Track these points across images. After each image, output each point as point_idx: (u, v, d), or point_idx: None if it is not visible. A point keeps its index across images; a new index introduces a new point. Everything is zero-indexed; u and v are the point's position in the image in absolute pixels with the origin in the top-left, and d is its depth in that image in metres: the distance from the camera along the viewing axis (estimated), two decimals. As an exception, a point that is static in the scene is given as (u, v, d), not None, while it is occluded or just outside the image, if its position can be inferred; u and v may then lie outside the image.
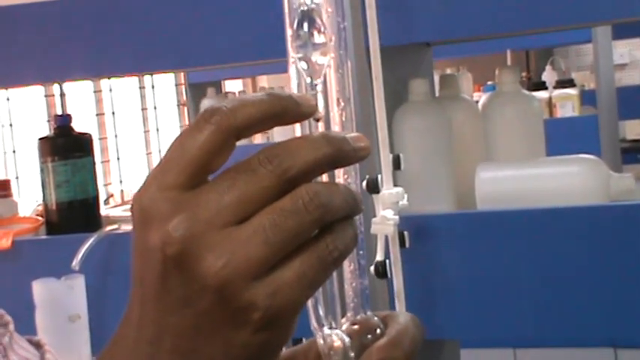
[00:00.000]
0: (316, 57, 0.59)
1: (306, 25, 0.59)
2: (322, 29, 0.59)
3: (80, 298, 1.68)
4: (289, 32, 0.59)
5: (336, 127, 0.62)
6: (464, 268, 1.53)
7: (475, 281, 1.53)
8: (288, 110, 0.55)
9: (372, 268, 1.44)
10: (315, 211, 0.53)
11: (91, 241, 1.74)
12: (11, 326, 0.86)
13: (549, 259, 1.48)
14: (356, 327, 0.64)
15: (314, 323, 0.60)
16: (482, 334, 1.61)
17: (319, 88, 0.60)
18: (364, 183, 1.44)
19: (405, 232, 1.48)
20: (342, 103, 0.62)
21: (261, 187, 0.53)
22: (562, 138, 2.46)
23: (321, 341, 0.60)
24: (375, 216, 1.44)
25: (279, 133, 4.00)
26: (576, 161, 1.60)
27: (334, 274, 0.59)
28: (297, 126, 0.59)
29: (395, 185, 1.47)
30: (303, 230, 0.53)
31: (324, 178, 0.58)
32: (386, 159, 1.46)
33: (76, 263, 1.71)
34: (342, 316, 0.64)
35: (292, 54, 0.59)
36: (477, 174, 1.61)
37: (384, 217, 1.44)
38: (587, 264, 1.47)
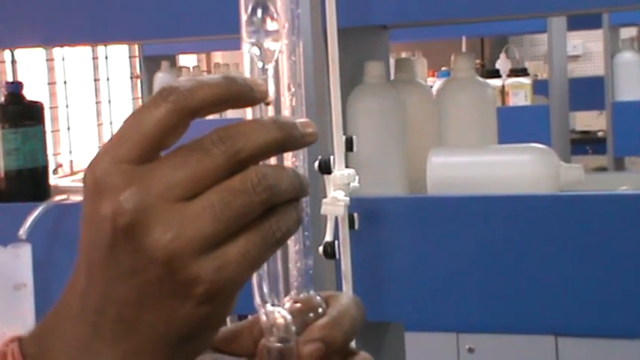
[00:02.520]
0: (268, 43, 0.61)
1: (259, 12, 0.60)
2: (275, 16, 0.60)
3: (26, 267, 1.67)
4: (243, 17, 0.60)
5: (286, 112, 0.63)
6: (411, 252, 1.54)
7: (422, 265, 1.54)
8: (242, 95, 0.57)
9: (320, 248, 1.44)
10: (263, 192, 0.55)
11: (39, 210, 1.72)
12: None
13: (496, 245, 1.50)
14: (298, 305, 0.65)
15: (258, 300, 0.62)
16: (426, 317, 1.63)
17: (270, 72, 0.61)
18: (316, 163, 1.44)
19: (355, 214, 1.49)
20: (293, 89, 0.64)
21: (213, 167, 0.54)
22: (513, 126, 2.49)
23: (264, 318, 0.62)
24: (325, 196, 1.45)
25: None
26: (527, 150, 1.62)
27: (279, 253, 0.61)
28: (249, 109, 0.60)
29: (347, 167, 1.48)
30: (249, 210, 0.55)
31: (273, 160, 0.59)
32: (339, 140, 1.47)
33: (23, 232, 1.70)
34: (286, 295, 0.65)
35: (245, 39, 0.61)
36: (428, 159, 1.62)
37: (335, 198, 1.44)
38: (532, 252, 1.48)
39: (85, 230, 0.56)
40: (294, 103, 0.64)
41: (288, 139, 0.56)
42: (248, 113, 0.60)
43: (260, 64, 0.61)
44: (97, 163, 0.56)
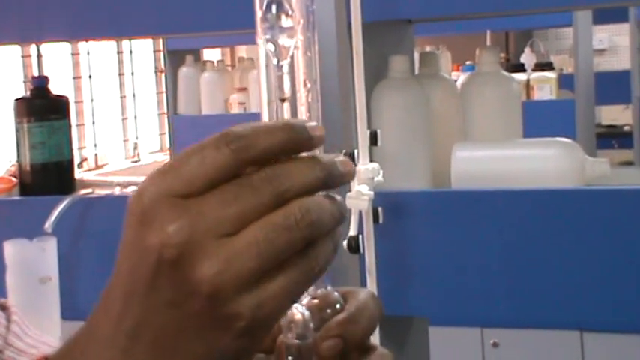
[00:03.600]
0: (283, 40, 0.61)
1: (274, 9, 0.60)
2: (290, 13, 0.60)
3: (52, 260, 1.68)
4: (258, 14, 0.60)
5: (302, 108, 0.63)
6: (436, 246, 1.54)
7: (446, 259, 1.54)
8: (301, 145, 0.58)
9: (344, 242, 1.44)
10: (305, 229, 0.56)
11: (64, 203, 1.73)
12: None
13: (520, 240, 1.49)
14: (316, 301, 0.66)
15: None
16: (450, 312, 1.63)
17: (285, 69, 0.61)
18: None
19: (379, 208, 1.49)
20: (309, 85, 0.63)
21: (260, 204, 0.56)
22: (538, 121, 2.47)
23: None
24: (350, 191, 1.45)
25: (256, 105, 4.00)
26: (552, 144, 1.61)
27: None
28: (265, 104, 0.62)
29: (371, 161, 1.48)
30: (292, 246, 0.56)
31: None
32: (363, 134, 1.47)
33: (48, 225, 1.70)
34: None
35: (260, 35, 0.61)
36: (453, 153, 1.61)
37: (359, 192, 1.44)
38: (557, 247, 1.48)
39: (125, 256, 0.57)
40: (309, 100, 0.64)
41: (329, 178, 0.58)
42: (264, 112, 0.61)
43: (275, 61, 0.61)
44: (147, 191, 0.56)
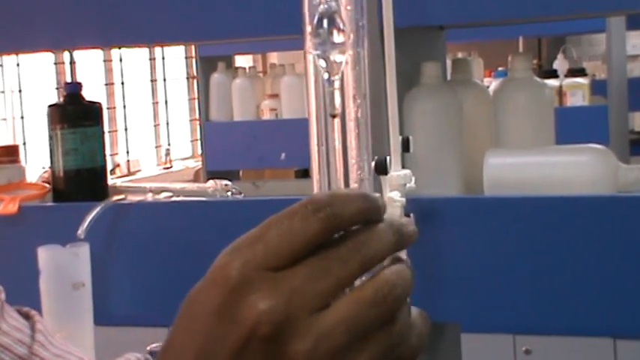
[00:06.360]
0: (334, 55, 0.60)
1: (325, 24, 0.60)
2: (342, 28, 0.59)
3: (85, 266, 1.69)
4: (308, 29, 0.60)
5: (351, 124, 0.63)
6: (468, 253, 1.54)
7: (478, 266, 1.53)
8: (377, 212, 0.59)
9: (376, 248, 1.44)
10: (392, 302, 0.57)
11: (97, 209, 1.74)
12: (2, 295, 0.87)
13: (553, 247, 1.49)
14: None
15: None
16: (483, 318, 1.62)
17: (336, 84, 0.61)
18: (372, 164, 1.44)
19: (411, 215, 1.48)
20: (358, 100, 0.63)
21: (349, 276, 0.57)
22: (571, 127, 2.46)
23: None
24: (382, 197, 1.44)
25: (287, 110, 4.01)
26: (586, 151, 1.60)
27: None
28: (313, 120, 0.61)
29: (403, 167, 1.47)
30: (380, 321, 0.57)
31: (338, 161, 0.60)
32: (395, 141, 1.46)
33: (81, 231, 1.71)
34: None
35: (311, 50, 0.60)
36: (485, 159, 1.61)
37: (391, 198, 1.44)
38: (590, 254, 1.47)
39: (204, 322, 0.57)
40: (359, 115, 0.63)
41: (401, 240, 0.59)
42: (312, 127, 0.61)
43: (326, 76, 0.61)
44: (235, 262, 0.57)
